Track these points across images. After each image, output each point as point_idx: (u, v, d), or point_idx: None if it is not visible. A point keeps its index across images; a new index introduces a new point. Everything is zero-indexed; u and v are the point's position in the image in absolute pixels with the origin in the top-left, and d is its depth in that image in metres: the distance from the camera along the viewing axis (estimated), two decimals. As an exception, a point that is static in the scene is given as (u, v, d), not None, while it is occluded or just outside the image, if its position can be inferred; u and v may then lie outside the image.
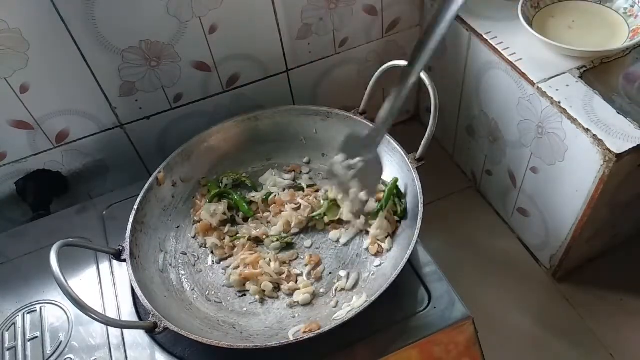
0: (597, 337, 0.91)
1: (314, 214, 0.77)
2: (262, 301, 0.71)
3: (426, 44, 0.60)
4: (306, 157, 0.86)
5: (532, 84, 0.80)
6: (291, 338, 0.64)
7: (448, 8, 0.57)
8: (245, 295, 0.72)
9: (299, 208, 0.79)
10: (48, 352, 0.68)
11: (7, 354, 0.69)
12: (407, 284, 0.69)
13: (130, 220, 0.73)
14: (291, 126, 0.86)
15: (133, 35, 0.82)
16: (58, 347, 0.68)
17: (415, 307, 0.67)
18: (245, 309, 0.71)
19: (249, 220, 0.80)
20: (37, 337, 0.70)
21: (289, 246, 0.76)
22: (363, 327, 0.65)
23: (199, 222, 0.78)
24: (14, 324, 0.72)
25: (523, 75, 0.81)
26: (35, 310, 0.73)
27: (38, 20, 0.74)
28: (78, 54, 0.80)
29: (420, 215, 0.68)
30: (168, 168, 0.80)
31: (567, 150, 0.79)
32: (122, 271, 0.73)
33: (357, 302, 0.66)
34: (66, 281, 0.57)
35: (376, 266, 0.72)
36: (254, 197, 0.81)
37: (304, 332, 0.64)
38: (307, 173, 0.85)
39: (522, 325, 0.94)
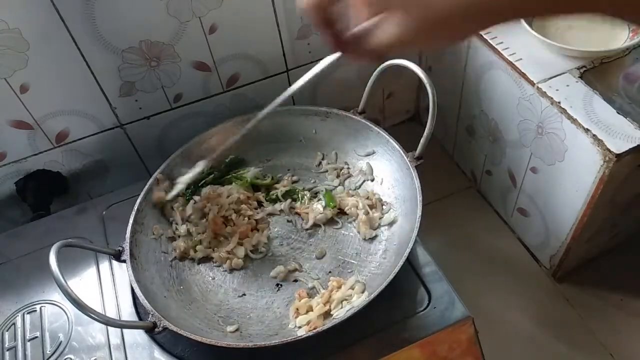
0: (597, 337, 0.91)
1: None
2: (261, 298, 0.71)
3: None
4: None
5: (532, 84, 0.80)
6: (291, 337, 0.64)
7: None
8: (245, 295, 0.72)
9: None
10: (48, 352, 0.68)
11: (7, 354, 0.69)
12: (407, 284, 0.69)
13: (130, 221, 0.73)
14: (291, 126, 0.86)
15: (133, 35, 0.82)
16: (58, 347, 0.68)
17: (415, 307, 0.67)
18: (244, 308, 0.71)
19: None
20: (37, 337, 0.70)
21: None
22: (363, 327, 0.65)
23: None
24: (14, 324, 0.72)
25: (523, 75, 0.81)
26: (35, 310, 0.73)
27: (38, 20, 0.75)
28: (78, 54, 0.80)
29: (419, 215, 0.67)
30: (168, 169, 0.80)
31: (567, 150, 0.78)
32: (122, 271, 0.73)
33: (357, 300, 0.66)
34: (66, 281, 0.57)
35: (376, 264, 0.72)
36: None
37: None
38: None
39: (522, 325, 0.94)
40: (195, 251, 0.76)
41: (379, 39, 0.37)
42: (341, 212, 0.79)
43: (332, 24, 0.40)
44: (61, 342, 0.69)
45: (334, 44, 0.41)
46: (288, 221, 0.80)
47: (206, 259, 0.76)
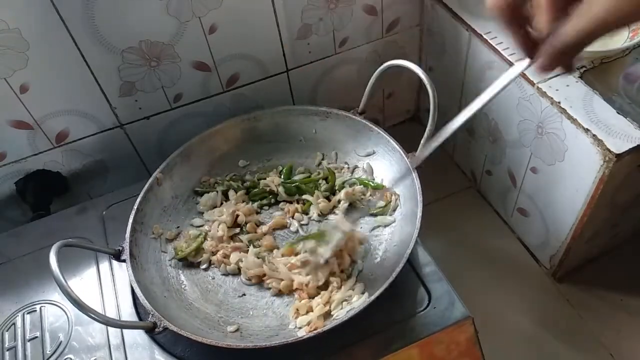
0: (597, 337, 0.91)
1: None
2: (261, 299, 0.71)
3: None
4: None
5: (532, 84, 0.80)
6: (291, 338, 0.64)
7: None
8: (245, 295, 0.72)
9: None
10: (48, 352, 0.68)
11: (7, 354, 0.69)
12: (407, 284, 0.69)
13: (130, 221, 0.73)
14: (290, 126, 0.86)
15: (133, 35, 0.82)
16: (58, 347, 0.68)
17: (415, 307, 0.67)
18: (244, 308, 0.71)
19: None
20: (37, 337, 0.70)
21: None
22: (363, 327, 0.65)
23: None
24: (14, 324, 0.72)
25: (523, 75, 0.81)
26: (35, 310, 0.73)
27: (38, 20, 0.74)
28: (78, 54, 0.80)
29: (419, 215, 0.67)
30: (168, 168, 0.80)
31: (567, 150, 0.78)
32: (122, 271, 0.73)
33: (357, 301, 0.66)
34: (66, 281, 0.57)
35: (376, 264, 0.72)
36: None
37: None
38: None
39: (522, 325, 0.94)
40: (197, 253, 0.76)
41: (572, 31, 0.36)
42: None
43: (523, 24, 0.39)
44: (61, 342, 0.69)
45: (525, 45, 0.40)
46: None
47: (206, 260, 0.76)
